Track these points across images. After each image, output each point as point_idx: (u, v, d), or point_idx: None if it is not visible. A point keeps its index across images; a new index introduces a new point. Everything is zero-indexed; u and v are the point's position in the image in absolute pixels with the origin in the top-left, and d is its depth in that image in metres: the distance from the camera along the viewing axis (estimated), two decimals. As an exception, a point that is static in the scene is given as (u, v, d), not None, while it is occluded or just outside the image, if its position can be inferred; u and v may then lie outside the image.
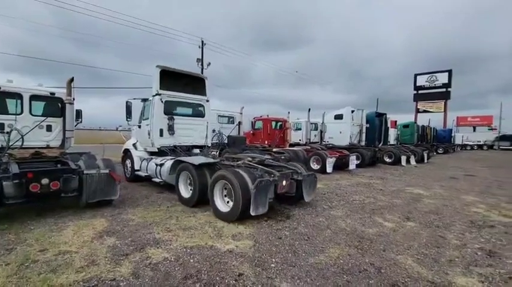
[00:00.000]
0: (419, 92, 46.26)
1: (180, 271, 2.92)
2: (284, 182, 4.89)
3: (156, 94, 6.86)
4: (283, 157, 9.94)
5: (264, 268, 3.04)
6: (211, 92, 8.04)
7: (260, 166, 5.01)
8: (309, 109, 14.12)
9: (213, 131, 12.80)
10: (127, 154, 8.20)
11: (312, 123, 15.62)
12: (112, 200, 5.29)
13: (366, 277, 2.89)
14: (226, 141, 12.19)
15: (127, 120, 7.74)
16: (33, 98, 6.42)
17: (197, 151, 7.70)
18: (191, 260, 3.16)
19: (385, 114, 18.29)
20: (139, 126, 7.66)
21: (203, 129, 7.97)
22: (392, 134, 22.83)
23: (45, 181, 4.44)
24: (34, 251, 3.29)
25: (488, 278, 2.93)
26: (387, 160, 14.84)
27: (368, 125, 16.37)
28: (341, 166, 11.42)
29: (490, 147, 41.74)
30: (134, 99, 7.62)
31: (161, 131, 6.99)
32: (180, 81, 7.34)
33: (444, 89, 43.77)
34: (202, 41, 24.29)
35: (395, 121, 26.35)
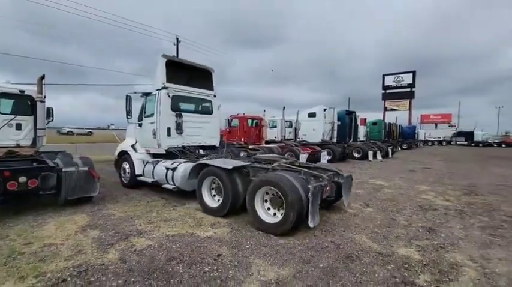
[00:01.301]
0: (387, 91, 49.15)
1: (164, 254, 3.24)
2: (328, 186, 4.41)
3: (163, 88, 6.12)
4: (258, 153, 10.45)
5: (240, 249, 3.45)
6: None
7: (303, 169, 4.52)
8: (284, 108, 14.73)
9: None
10: (123, 156, 7.16)
11: (286, 121, 16.25)
12: (92, 197, 5.40)
13: (327, 251, 3.41)
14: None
15: (127, 117, 6.64)
16: (1, 96, 6.25)
17: (200, 151, 6.84)
18: (173, 246, 3.49)
19: (355, 112, 19.49)
20: (140, 125, 6.78)
21: (211, 128, 7.37)
22: (361, 131, 24.30)
23: (22, 179, 4.48)
24: (19, 244, 3.42)
25: (423, 248, 3.58)
26: (356, 155, 15.89)
27: (339, 123, 17.39)
28: (313, 161, 12.12)
29: (449, 143, 45.54)
30: (135, 93, 6.69)
31: (169, 130, 6.21)
32: (185, 74, 6.71)
33: (409, 89, 46.91)
34: (177, 38, 23.99)
35: (365, 119, 28.02)
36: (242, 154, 9.44)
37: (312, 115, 16.14)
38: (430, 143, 44.55)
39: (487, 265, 3.12)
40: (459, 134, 46.94)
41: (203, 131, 7.09)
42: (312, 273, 2.88)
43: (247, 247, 3.52)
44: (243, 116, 15.08)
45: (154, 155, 6.61)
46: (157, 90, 6.18)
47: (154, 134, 6.20)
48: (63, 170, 4.92)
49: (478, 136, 44.36)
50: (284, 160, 5.11)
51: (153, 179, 6.17)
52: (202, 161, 5.12)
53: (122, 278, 2.68)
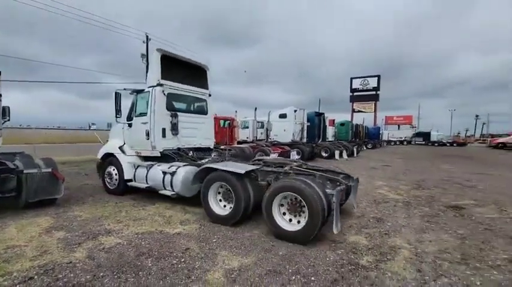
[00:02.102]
0: (355, 94, 51.79)
1: (133, 251, 3.37)
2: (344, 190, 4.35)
3: (157, 85, 5.72)
4: (230, 153, 10.65)
5: (207, 243, 3.68)
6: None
7: (318, 172, 4.37)
8: (255, 108, 15.09)
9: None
10: (107, 159, 6.54)
11: (258, 122, 16.65)
12: (55, 199, 5.28)
13: (286, 241, 3.76)
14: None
15: (117, 116, 6.06)
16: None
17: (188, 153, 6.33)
18: (143, 243, 3.63)
19: (323, 114, 20.49)
20: (130, 125, 6.20)
21: (207, 129, 7.03)
22: (330, 131, 25.55)
23: (-21, 181, 4.30)
24: (-22, 248, 3.34)
25: (371, 235, 4.08)
26: (324, 154, 16.74)
27: (309, 124, 18.19)
28: (283, 160, 12.63)
29: (409, 142, 49.15)
30: (124, 89, 6.12)
31: (163, 130, 5.80)
32: (179, 71, 6.25)
33: (374, 92, 49.86)
34: (147, 36, 23.32)
35: (333, 120, 29.42)
36: (213, 154, 9.61)
37: (283, 116, 16.71)
38: (392, 143, 47.74)
39: (420, 246, 3.67)
40: (418, 134, 50.87)
41: (198, 132, 6.72)
42: (271, 260, 3.20)
43: (214, 240, 3.77)
44: (216, 116, 15.17)
45: (146, 158, 6.14)
46: (151, 87, 5.75)
47: (147, 135, 5.74)
48: (24, 171, 4.78)
49: (434, 136, 48.44)
50: (295, 163, 4.88)
51: (147, 185, 5.66)
52: (210, 165, 4.68)
53: (90, 274, 2.79)
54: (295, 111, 16.63)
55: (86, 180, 8.25)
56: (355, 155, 19.36)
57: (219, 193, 4.56)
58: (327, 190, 3.83)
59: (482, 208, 5.71)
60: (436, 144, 44.82)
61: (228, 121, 15.48)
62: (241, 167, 4.33)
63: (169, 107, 5.96)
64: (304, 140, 17.38)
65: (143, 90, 6.00)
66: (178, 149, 6.07)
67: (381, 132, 43.99)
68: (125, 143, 6.32)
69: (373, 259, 3.27)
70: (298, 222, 3.72)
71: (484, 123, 76.40)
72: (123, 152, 6.23)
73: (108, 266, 2.97)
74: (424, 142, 47.07)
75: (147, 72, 25.28)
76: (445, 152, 27.94)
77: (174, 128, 5.98)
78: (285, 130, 16.47)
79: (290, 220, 3.80)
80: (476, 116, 76.20)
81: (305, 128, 17.61)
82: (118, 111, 6.02)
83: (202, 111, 6.96)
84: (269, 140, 15.79)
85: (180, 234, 3.98)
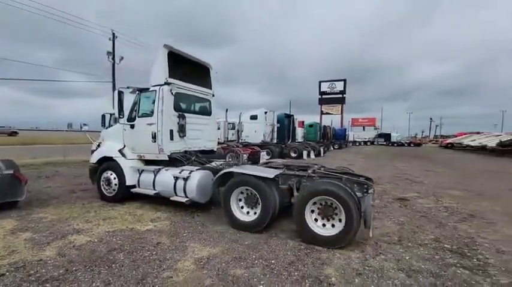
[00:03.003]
0: (323, 96, 54.06)
1: (104, 247, 3.51)
2: None
3: (165, 83, 5.37)
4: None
5: (178, 237, 3.92)
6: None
7: (344, 175, 4.18)
8: (227, 110, 15.36)
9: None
10: (103, 163, 5.96)
11: (230, 123, 16.92)
12: (17, 201, 5.12)
13: (254, 232, 4.14)
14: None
15: (119, 117, 5.54)
16: None
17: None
18: (114, 239, 3.76)
19: (293, 115, 21.35)
20: (132, 126, 5.72)
21: (210, 131, 6.75)
22: (300, 132, 26.60)
23: None
24: None
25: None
26: (293, 154, 17.48)
27: (279, 125, 18.87)
28: (253, 161, 13.05)
29: (372, 143, 52.54)
30: (127, 88, 5.70)
31: (171, 132, 5.46)
32: (184, 69, 5.91)
33: (341, 95, 52.49)
34: (114, 34, 22.47)
35: (303, 121, 30.60)
36: (227, 157, 9.71)
37: (253, 117, 17.16)
38: (357, 144, 50.66)
39: (366, 232, 4.25)
40: (380, 135, 54.56)
41: (203, 134, 6.40)
42: (238, 249, 3.55)
43: (185, 235, 4.02)
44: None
45: (147, 162, 5.79)
46: (158, 85, 5.39)
47: (154, 137, 5.36)
48: (-16, 174, 4.60)
49: (394, 137, 52.29)
50: (316, 167, 4.75)
51: (155, 191, 5.27)
52: (233, 170, 4.48)
53: (62, 269, 2.91)
54: (265, 113, 17.18)
55: (47, 183, 7.93)
56: (322, 155, 20.44)
57: (240, 199, 4.38)
58: (358, 193, 3.80)
59: (423, 199, 6.59)
60: (395, 144, 48.43)
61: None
62: (269, 172, 4.24)
63: (177, 108, 5.61)
64: (275, 141, 18.00)
65: (148, 89, 5.58)
66: (185, 152, 5.78)
67: (347, 133, 46.52)
68: (125, 146, 5.83)
69: (326, 244, 3.77)
70: (333, 226, 3.69)
71: (437, 126, 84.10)
72: (123, 155, 5.74)
73: (80, 261, 3.11)
74: (385, 143, 50.58)
75: (113, 70, 24.09)
76: (403, 151, 30.43)
77: (182, 130, 5.64)
78: (255, 131, 16.94)
79: (324, 225, 3.76)
80: (430, 119, 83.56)
81: (275, 129, 18.25)
82: (121, 111, 5.51)
83: (206, 112, 6.67)
84: (240, 141, 16.13)
85: (151, 230, 4.16)
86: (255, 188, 4.15)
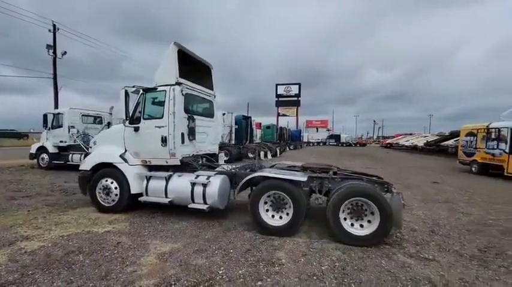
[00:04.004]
0: (279, 99, 56.14)
1: (61, 251, 3.47)
2: None
3: (176, 83, 5.04)
4: None
5: (139, 236, 4.03)
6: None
7: (364, 176, 4.40)
8: (184, 111, 15.20)
9: (77, 131, 11.75)
10: (99, 170, 5.37)
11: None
12: None
13: (211, 226, 4.46)
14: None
15: (127, 119, 5.16)
16: None
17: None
18: (70, 243, 3.72)
19: (250, 117, 21.93)
20: (136, 129, 5.21)
21: (214, 133, 6.54)
22: (258, 133, 27.41)
23: None
24: None
25: (280, 217, 5.11)
26: (250, 155, 18.01)
27: (237, 126, 19.26)
28: (211, 161, 13.22)
29: (324, 143, 56.24)
30: (134, 87, 5.23)
31: (182, 136, 5.13)
32: (188, 69, 5.55)
33: (296, 98, 55.15)
34: (55, 25, 20.44)
35: (260, 123, 31.58)
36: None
37: (212, 119, 17.26)
38: (311, 144, 53.80)
39: (308, 223, 4.87)
40: (331, 136, 58.70)
41: (207, 136, 6.15)
42: (199, 242, 3.83)
43: (146, 233, 4.14)
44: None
45: (151, 168, 5.38)
46: (168, 85, 5.04)
47: (164, 141, 4.99)
48: None
49: (343, 138, 56.75)
50: (335, 168, 4.83)
51: (169, 199, 4.88)
52: (265, 174, 4.35)
53: (17, 273, 2.86)
54: (223, 114, 17.42)
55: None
56: (278, 155, 21.41)
57: (266, 202, 4.31)
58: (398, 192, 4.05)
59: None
60: (344, 144, 52.64)
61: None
62: (300, 175, 4.27)
63: (186, 109, 5.29)
64: (233, 142, 18.34)
65: (155, 88, 5.16)
66: (194, 156, 5.55)
67: (302, 134, 49.13)
68: (126, 151, 5.35)
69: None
70: (361, 226, 3.86)
71: (379, 127, 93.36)
72: (125, 161, 5.26)
73: (35, 265, 3.06)
74: (335, 143, 54.60)
75: (54, 64, 22.03)
76: (350, 151, 33.35)
77: (192, 132, 5.34)
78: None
79: (357, 225, 3.89)
80: (374, 121, 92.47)
81: (233, 130, 18.59)
82: (128, 112, 5.13)
83: (210, 113, 6.43)
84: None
85: (110, 232, 4.18)
86: (286, 192, 4.12)
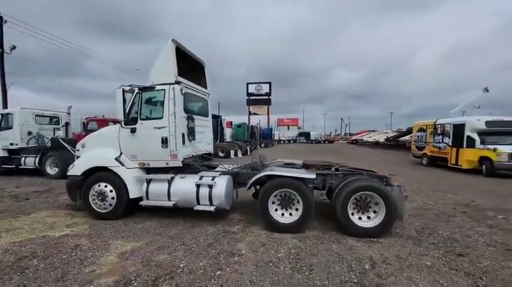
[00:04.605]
0: (251, 98, 56.48)
1: (13, 257, 3.33)
2: None
3: (176, 82, 4.85)
4: None
5: (99, 237, 3.98)
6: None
7: (364, 171, 4.60)
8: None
9: (29, 133, 10.92)
10: (92, 175, 5.02)
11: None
12: None
13: (176, 224, 4.54)
14: (49, 145, 10.70)
15: (125, 119, 4.85)
16: None
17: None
18: (23, 249, 3.57)
19: (221, 116, 21.94)
20: (133, 130, 4.90)
21: (209, 133, 6.37)
22: (229, 132, 27.42)
23: None
24: None
25: (244, 212, 5.32)
26: (220, 154, 18.07)
27: (207, 126, 19.15)
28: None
29: (295, 141, 57.75)
30: (130, 86, 4.89)
31: (183, 136, 4.95)
32: (184, 66, 5.30)
33: (267, 97, 55.88)
34: (1, 17, 18.62)
35: (231, 122, 31.59)
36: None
37: (180, 118, 16.98)
38: (282, 142, 54.91)
39: (275, 214, 5.13)
40: (301, 134, 60.37)
41: (204, 136, 5.99)
42: (162, 240, 3.89)
43: (107, 235, 4.10)
44: (104, 118, 14.02)
45: (149, 170, 5.12)
46: (167, 84, 4.82)
47: (164, 142, 4.78)
48: None
49: (313, 136, 58.73)
50: (336, 165, 4.95)
51: (173, 202, 4.69)
52: (275, 173, 4.40)
53: (-38, 282, 2.73)
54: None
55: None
56: (249, 153, 21.67)
57: (273, 202, 4.35)
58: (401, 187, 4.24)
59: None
60: (314, 142, 54.52)
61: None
62: (308, 172, 4.43)
63: (185, 109, 5.10)
64: (203, 141, 18.23)
65: (153, 87, 4.88)
66: (193, 156, 5.38)
67: (273, 133, 49.98)
68: (121, 153, 5.04)
69: (241, 227, 4.47)
70: (368, 218, 4.09)
71: (346, 125, 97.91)
72: (122, 164, 4.97)
73: (-16, 273, 2.93)
74: (305, 141, 56.33)
75: (1, 60, 20.20)
76: (319, 148, 34.70)
77: (192, 133, 5.18)
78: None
79: (362, 218, 4.11)
80: (341, 119, 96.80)
81: None
82: (126, 113, 4.82)
83: (205, 113, 6.27)
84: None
85: (68, 235, 4.07)
86: (296, 190, 4.21)
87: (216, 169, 5.35)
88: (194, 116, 5.38)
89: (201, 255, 3.40)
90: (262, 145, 34.86)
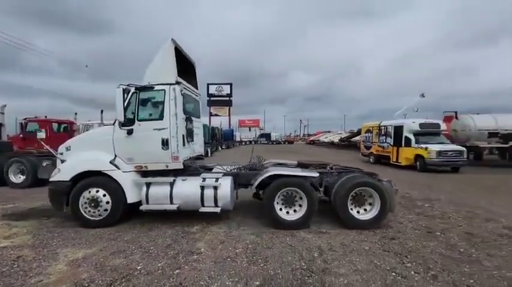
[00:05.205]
0: (211, 98, 55.91)
1: None
2: None
3: (176, 83, 4.74)
4: None
5: (45, 247, 3.73)
6: None
7: (356, 169, 5.07)
8: (102, 111, 13.89)
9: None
10: (83, 180, 4.64)
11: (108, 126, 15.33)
12: None
13: (132, 228, 4.44)
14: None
15: (125, 119, 4.58)
16: None
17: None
18: (-49, 265, 3.20)
19: (180, 117, 21.39)
20: (130, 132, 4.66)
21: (201, 134, 6.28)
22: (189, 134, 26.81)
23: None
24: None
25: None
26: (181, 156, 17.69)
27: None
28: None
29: (256, 142, 58.64)
30: (129, 86, 4.68)
31: (183, 138, 4.87)
32: (179, 67, 5.11)
33: (228, 98, 55.85)
34: None
35: (191, 123, 30.93)
36: (45, 163, 8.34)
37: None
38: (244, 143, 55.36)
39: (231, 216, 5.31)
40: (262, 135, 61.57)
41: (197, 138, 5.87)
42: (117, 245, 3.80)
43: (54, 244, 3.85)
44: (46, 119, 12.74)
45: (146, 174, 4.86)
46: (168, 85, 4.69)
47: (165, 144, 4.64)
48: None
49: (273, 136, 60.30)
50: (331, 164, 5.43)
51: (176, 205, 4.58)
52: (280, 172, 4.62)
53: None
54: (150, 114, 16.56)
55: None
56: (209, 155, 21.50)
57: (277, 202, 4.53)
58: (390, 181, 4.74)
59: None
60: (274, 142, 56.01)
61: (65, 125, 13.38)
62: (311, 171, 4.79)
63: (183, 110, 4.98)
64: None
65: (152, 87, 4.73)
66: (191, 158, 5.33)
67: (234, 134, 50.11)
68: (116, 156, 4.76)
69: (201, 227, 4.55)
70: (365, 210, 4.52)
71: (305, 126, 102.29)
72: (117, 167, 4.69)
73: None
74: (266, 141, 57.58)
75: None
76: (279, 148, 35.81)
77: (190, 134, 5.13)
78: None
79: (360, 211, 4.52)
80: (300, 120, 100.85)
81: None
82: (127, 114, 4.62)
83: (198, 114, 6.17)
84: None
85: (7, 247, 3.73)
86: (301, 188, 4.47)
87: (213, 171, 5.33)
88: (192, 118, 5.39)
89: (159, 256, 3.43)
90: (224, 147, 34.82)
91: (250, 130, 69.94)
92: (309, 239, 4.02)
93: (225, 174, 5.05)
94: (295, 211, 4.54)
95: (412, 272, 3.02)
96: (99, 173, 4.66)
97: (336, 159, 18.07)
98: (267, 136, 60.47)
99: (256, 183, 4.67)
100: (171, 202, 4.65)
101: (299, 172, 4.69)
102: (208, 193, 4.61)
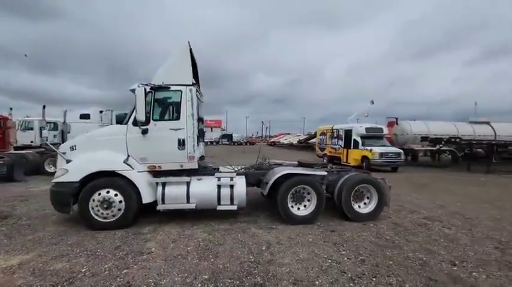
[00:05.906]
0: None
1: None
2: None
3: (193, 84, 4.82)
4: (1, 162, 8.64)
5: None
6: None
7: (352, 168, 5.74)
8: (44, 106, 12.60)
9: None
10: (93, 181, 4.42)
11: (50, 123, 13.97)
12: None
13: (77, 231, 4.23)
14: None
15: (144, 120, 4.50)
16: None
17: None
18: None
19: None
20: (145, 131, 4.60)
21: (202, 136, 6.33)
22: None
23: None
24: None
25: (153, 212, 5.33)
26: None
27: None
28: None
29: (217, 143, 58.19)
30: (147, 85, 4.58)
31: (197, 138, 5.07)
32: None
33: (189, 98, 54.55)
34: None
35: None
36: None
37: (85, 117, 14.96)
38: (205, 144, 54.55)
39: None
40: (223, 136, 61.30)
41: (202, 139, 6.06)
42: (59, 249, 3.62)
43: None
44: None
45: (158, 174, 4.82)
46: (184, 86, 4.74)
47: (182, 144, 4.71)
48: None
49: (235, 137, 60.41)
50: (330, 163, 6.04)
51: (194, 204, 4.69)
52: (295, 171, 5.00)
53: None
54: (101, 112, 15.46)
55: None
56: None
57: (295, 200, 4.93)
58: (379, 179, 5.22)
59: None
60: (236, 143, 56.16)
61: (-1, 120, 11.91)
62: (321, 170, 5.36)
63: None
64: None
65: (168, 87, 4.71)
66: (199, 158, 5.40)
67: (195, 134, 48.97)
68: (129, 156, 4.63)
69: (152, 227, 4.52)
70: (365, 204, 5.10)
71: (267, 127, 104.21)
72: (131, 167, 4.59)
73: None
74: (228, 142, 57.48)
75: None
76: (241, 149, 36.08)
77: (202, 134, 5.33)
78: (87, 133, 14.87)
79: (362, 205, 5.10)
80: (262, 122, 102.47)
81: (67, 129, 16.53)
82: (147, 114, 4.59)
83: (202, 115, 6.21)
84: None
85: None
86: (312, 186, 4.89)
87: (220, 170, 5.51)
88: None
89: (107, 258, 3.36)
90: (184, 147, 33.86)
91: (212, 131, 69.09)
92: (259, 234, 4.27)
93: (238, 173, 5.23)
94: (305, 206, 4.94)
95: (345, 258, 3.44)
96: (111, 174, 4.53)
97: (295, 159, 18.91)
98: (229, 137, 60.41)
99: (272, 182, 4.86)
100: (188, 201, 4.74)
101: (310, 171, 5.16)
102: (225, 191, 4.82)
